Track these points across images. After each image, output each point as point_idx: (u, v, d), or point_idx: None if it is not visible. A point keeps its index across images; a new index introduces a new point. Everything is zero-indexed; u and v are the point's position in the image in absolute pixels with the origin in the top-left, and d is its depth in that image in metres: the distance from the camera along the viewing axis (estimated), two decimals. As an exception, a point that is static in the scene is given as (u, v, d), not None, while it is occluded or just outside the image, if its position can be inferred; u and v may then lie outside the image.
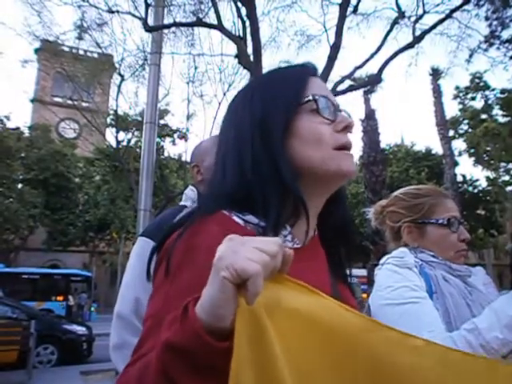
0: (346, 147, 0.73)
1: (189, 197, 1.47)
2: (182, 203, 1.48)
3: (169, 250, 0.62)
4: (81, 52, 18.39)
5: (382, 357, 0.52)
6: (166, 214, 1.43)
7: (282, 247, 0.47)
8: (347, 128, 0.74)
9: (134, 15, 7.67)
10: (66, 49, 17.56)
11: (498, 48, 11.17)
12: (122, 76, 13.58)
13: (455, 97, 25.94)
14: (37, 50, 20.15)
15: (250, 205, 0.68)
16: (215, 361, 0.45)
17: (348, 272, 0.83)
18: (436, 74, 23.04)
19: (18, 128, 28.01)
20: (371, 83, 8.90)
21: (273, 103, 0.73)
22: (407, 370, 0.52)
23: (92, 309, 22.24)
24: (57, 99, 34.76)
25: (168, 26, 7.80)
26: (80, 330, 9.68)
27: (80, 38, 12.91)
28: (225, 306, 0.44)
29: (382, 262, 1.31)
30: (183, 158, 18.89)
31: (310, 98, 0.73)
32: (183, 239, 0.62)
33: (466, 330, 0.98)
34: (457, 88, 25.62)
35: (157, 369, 0.47)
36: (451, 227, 1.33)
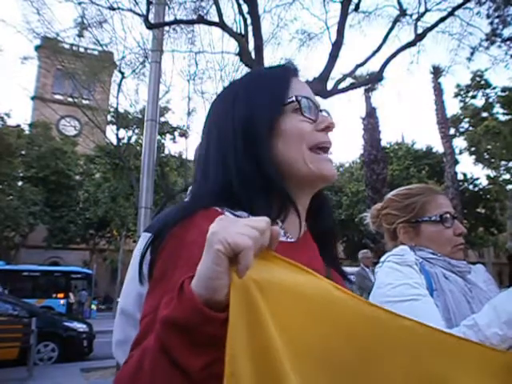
0: (325, 146, 0.76)
1: None
2: (186, 200, 1.47)
3: (162, 248, 0.64)
4: (81, 49, 18.36)
5: (370, 334, 0.53)
6: (171, 211, 1.43)
7: (270, 225, 0.50)
8: (328, 128, 0.77)
9: (134, 12, 7.64)
10: (67, 46, 17.54)
11: (500, 46, 11.14)
12: (122, 73, 13.56)
13: (456, 95, 25.91)
14: (37, 48, 20.13)
15: (237, 202, 0.70)
16: (213, 332, 0.46)
17: (338, 260, 0.87)
18: (437, 72, 23.00)
19: (18, 125, 28.01)
20: (372, 81, 8.88)
21: (257, 103, 0.76)
22: (394, 347, 0.53)
23: (92, 306, 22.28)
24: (57, 97, 34.79)
25: (169, 24, 7.79)
26: (80, 327, 9.69)
27: (80, 35, 12.90)
28: (219, 277, 0.46)
29: (382, 259, 1.32)
30: (183, 156, 18.89)
31: (293, 98, 0.75)
32: (175, 237, 0.64)
33: (466, 326, 0.99)
34: (458, 86, 25.59)
35: (156, 348, 0.48)
36: (445, 223, 1.34)
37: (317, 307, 0.52)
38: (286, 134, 0.74)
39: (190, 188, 1.54)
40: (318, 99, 0.82)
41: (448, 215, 1.34)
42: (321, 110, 0.79)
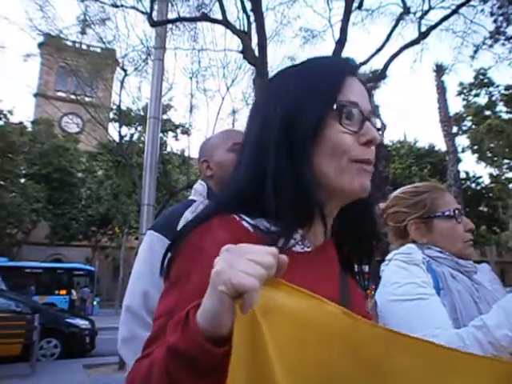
0: (364, 163, 0.70)
1: (198, 191, 1.47)
2: (190, 197, 1.48)
3: (178, 253, 0.65)
4: (84, 47, 18.36)
5: (377, 358, 0.53)
6: (176, 209, 1.44)
7: (277, 256, 0.49)
8: (370, 142, 0.70)
9: (138, 10, 7.64)
10: (70, 43, 17.54)
11: (503, 44, 11.09)
12: (125, 71, 13.56)
13: (459, 93, 25.83)
14: (40, 45, 20.14)
15: (261, 206, 0.67)
16: (215, 364, 0.47)
17: (359, 272, 0.83)
18: (440, 70, 22.91)
19: (21, 123, 28.05)
20: (376, 79, 8.86)
21: (306, 103, 0.69)
22: (401, 370, 0.53)
23: (95, 303, 22.35)
24: (60, 94, 34.79)
25: (173, 21, 7.79)
26: (83, 323, 9.72)
27: (83, 32, 12.90)
28: (223, 316, 0.47)
29: (388, 257, 1.31)
30: (186, 153, 18.89)
31: (335, 107, 0.68)
32: (190, 244, 0.64)
33: (475, 327, 0.98)
34: (461, 84, 25.52)
35: (161, 369, 0.50)
36: (457, 218, 1.34)
37: (320, 334, 0.51)
38: (325, 144, 0.68)
39: (194, 186, 1.55)
40: None
41: (458, 211, 1.35)
42: (369, 119, 0.71)
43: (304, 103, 0.69)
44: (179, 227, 0.75)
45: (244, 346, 0.46)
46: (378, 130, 0.74)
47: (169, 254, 0.67)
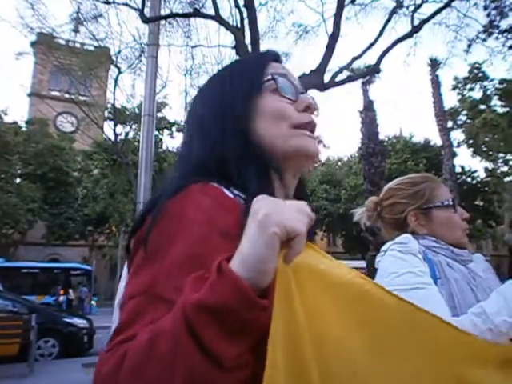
0: (307, 127, 0.75)
1: None
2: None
3: (154, 223, 0.58)
4: (77, 45, 18.25)
5: (399, 332, 0.53)
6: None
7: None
8: (308, 108, 0.76)
9: (130, 6, 7.60)
10: (63, 42, 17.44)
11: (497, 38, 11.10)
12: (118, 68, 13.51)
13: (454, 87, 25.86)
14: (33, 44, 20.02)
15: (226, 177, 0.67)
16: (254, 318, 0.44)
17: None
18: (434, 64, 22.93)
19: (15, 122, 27.91)
20: (369, 73, 8.86)
21: (235, 85, 0.76)
22: (421, 348, 0.53)
23: (92, 302, 22.32)
24: (54, 93, 34.61)
25: (165, 17, 7.75)
26: (81, 322, 9.71)
27: (76, 30, 12.83)
28: (271, 261, 0.45)
29: (384, 248, 1.31)
30: (181, 151, 18.80)
31: (269, 77, 0.75)
32: (170, 212, 0.58)
33: (474, 314, 0.99)
34: (455, 79, 25.54)
35: (181, 333, 0.43)
36: (455, 208, 1.36)
37: (348, 296, 0.52)
38: (265, 113, 0.73)
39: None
40: (314, 93, 0.82)
41: (454, 201, 1.37)
42: (302, 92, 0.78)
43: (234, 84, 0.76)
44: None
45: (284, 301, 0.46)
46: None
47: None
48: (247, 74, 0.77)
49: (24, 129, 28.81)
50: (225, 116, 0.74)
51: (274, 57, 0.83)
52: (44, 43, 16.80)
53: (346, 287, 0.52)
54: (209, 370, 0.43)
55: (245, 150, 0.70)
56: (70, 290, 20.95)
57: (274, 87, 0.75)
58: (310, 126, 0.76)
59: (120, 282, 1.39)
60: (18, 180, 27.44)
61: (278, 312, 0.45)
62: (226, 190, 0.65)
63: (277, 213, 0.46)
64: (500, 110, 24.38)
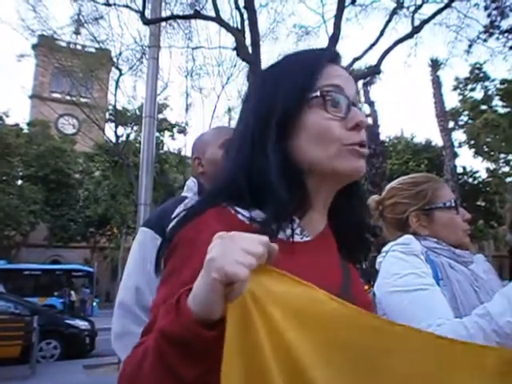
0: (359, 144, 0.70)
1: (190, 188, 1.48)
2: (183, 194, 1.48)
3: (174, 248, 0.65)
4: (78, 47, 18.30)
5: (365, 343, 0.53)
6: (167, 205, 1.44)
7: (268, 245, 0.50)
8: (358, 126, 0.69)
9: (131, 8, 7.62)
10: (64, 44, 17.48)
11: (498, 38, 11.09)
12: (120, 70, 13.52)
13: (455, 88, 25.85)
14: (34, 46, 20.07)
15: (255, 197, 0.67)
16: (207, 348, 0.48)
17: (358, 255, 0.83)
18: (435, 65, 22.93)
19: (17, 124, 27.95)
20: (370, 74, 8.85)
21: (279, 94, 0.70)
22: (390, 355, 0.53)
23: (94, 304, 22.32)
24: (55, 95, 34.65)
25: (166, 19, 7.76)
26: (82, 324, 9.72)
27: (77, 32, 12.86)
28: (215, 302, 0.48)
29: (385, 249, 1.30)
30: (183, 153, 18.87)
31: (318, 93, 0.68)
32: (187, 237, 0.64)
33: (478, 316, 0.98)
34: (456, 79, 25.53)
35: (154, 355, 0.50)
36: (457, 209, 1.35)
37: (309, 320, 0.52)
38: (309, 131, 0.68)
39: (187, 182, 1.55)
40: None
41: (455, 202, 1.36)
42: (355, 105, 0.71)
43: (278, 92, 0.70)
44: (171, 224, 0.74)
45: (237, 330, 0.48)
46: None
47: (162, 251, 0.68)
48: (295, 82, 0.70)
49: (26, 131, 28.85)
50: (265, 128, 0.69)
51: (333, 57, 0.75)
52: (45, 45, 16.84)
53: (306, 311, 0.53)
54: None
55: (277, 168, 0.66)
56: (72, 292, 20.94)
57: (322, 102, 0.68)
58: (359, 146, 0.70)
59: (122, 281, 1.39)
60: (19, 182, 27.47)
61: (231, 339, 0.48)
62: (240, 216, 0.67)
63: (220, 257, 0.47)
64: (501, 111, 24.36)
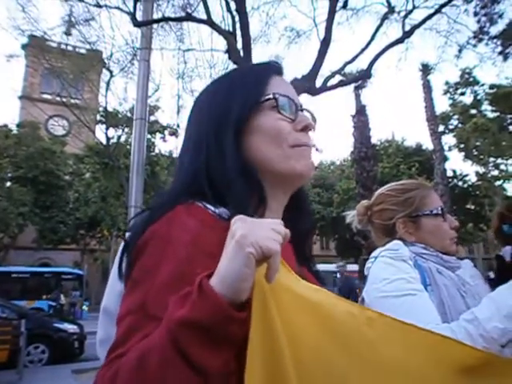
0: (304, 147, 0.74)
1: None
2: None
3: (144, 246, 0.62)
4: (69, 48, 18.16)
5: (371, 347, 0.55)
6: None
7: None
8: (306, 128, 0.75)
9: (121, 10, 7.58)
10: (54, 44, 17.35)
11: (487, 44, 11.23)
12: (110, 72, 13.46)
13: (445, 92, 26.13)
14: (24, 46, 19.89)
15: (216, 197, 0.68)
16: (235, 331, 0.48)
17: (311, 260, 0.86)
18: (426, 69, 23.14)
19: (5, 125, 27.68)
20: (361, 78, 8.90)
21: (233, 99, 0.75)
22: (397, 360, 0.55)
23: (84, 307, 22.10)
24: (45, 96, 34.35)
25: (157, 21, 7.73)
26: (71, 328, 9.59)
27: (68, 33, 12.77)
28: (248, 280, 0.48)
29: (374, 254, 1.31)
30: (174, 155, 18.80)
31: (271, 96, 0.74)
32: (157, 234, 0.62)
33: (466, 321, 0.98)
34: (447, 83, 25.81)
35: (167, 347, 0.46)
36: (444, 216, 1.35)
37: (319, 314, 0.55)
38: (261, 131, 0.73)
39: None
40: (306, 97, 0.81)
41: (443, 209, 1.37)
42: (302, 110, 0.78)
43: (232, 98, 0.75)
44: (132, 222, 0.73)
45: (261, 315, 0.50)
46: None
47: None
48: (248, 89, 0.75)
49: (15, 132, 28.54)
50: (220, 130, 0.73)
51: (278, 70, 0.82)
52: (35, 46, 16.68)
53: (315, 300, 0.56)
54: (196, 381, 0.47)
55: (235, 167, 0.69)
56: (61, 295, 20.72)
57: (273, 105, 0.74)
58: (307, 147, 0.75)
59: (109, 284, 1.38)
60: (8, 183, 27.15)
61: (256, 322, 0.48)
62: (211, 208, 0.66)
63: (252, 233, 0.49)
64: (490, 115, 24.68)
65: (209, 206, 0.67)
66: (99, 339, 1.31)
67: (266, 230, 0.50)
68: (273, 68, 0.81)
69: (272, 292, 0.52)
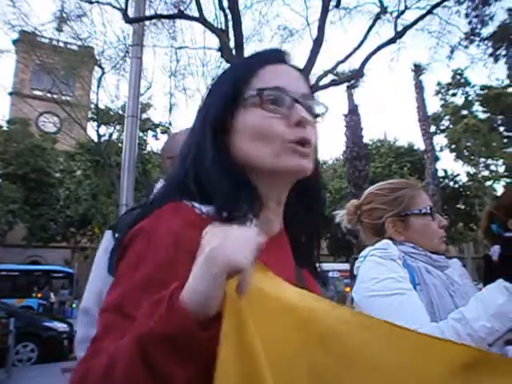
0: (300, 142, 0.69)
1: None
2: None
3: (130, 242, 0.62)
4: (60, 44, 17.99)
5: (352, 346, 0.55)
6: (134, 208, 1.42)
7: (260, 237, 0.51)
8: (300, 122, 0.69)
9: (113, 6, 7.52)
10: (45, 40, 17.18)
11: (478, 45, 11.35)
12: (102, 69, 13.36)
13: (437, 93, 26.33)
14: (15, 42, 19.66)
15: (204, 196, 0.68)
16: (200, 347, 0.47)
17: (314, 261, 0.83)
18: (418, 69, 23.28)
19: (-5, 122, 27.35)
20: (353, 78, 8.94)
21: (219, 94, 0.73)
22: (377, 358, 0.55)
23: (74, 305, 21.95)
24: (36, 92, 33.99)
25: (149, 18, 7.69)
26: (61, 326, 9.53)
27: (59, 29, 12.65)
28: (217, 296, 0.47)
29: (363, 254, 1.31)
30: (166, 153, 18.66)
31: (254, 92, 0.69)
32: (143, 232, 0.62)
33: (454, 320, 0.99)
34: (439, 84, 26.01)
35: (133, 360, 0.46)
36: (432, 216, 1.35)
37: (298, 318, 0.53)
38: (245, 130, 0.69)
39: (156, 185, 1.52)
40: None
41: (432, 209, 1.37)
42: (299, 102, 0.70)
43: (216, 96, 0.73)
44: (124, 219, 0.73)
45: (233, 328, 0.48)
46: (317, 115, 0.75)
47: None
48: (225, 88, 0.72)
49: (5, 128, 28.25)
50: (204, 130, 0.72)
51: (275, 57, 0.75)
52: (26, 41, 16.51)
53: (294, 308, 0.54)
54: None
55: (216, 167, 0.68)
56: (51, 293, 20.55)
57: (257, 101, 0.69)
58: (302, 142, 0.69)
59: (88, 284, 1.38)
60: (-2, 181, 26.88)
61: (227, 336, 0.47)
62: (198, 206, 0.66)
63: (222, 249, 0.47)
64: (481, 116, 24.93)
65: (196, 204, 0.66)
66: (78, 339, 1.31)
67: (237, 243, 0.48)
68: (269, 57, 0.75)
69: (247, 302, 0.50)
